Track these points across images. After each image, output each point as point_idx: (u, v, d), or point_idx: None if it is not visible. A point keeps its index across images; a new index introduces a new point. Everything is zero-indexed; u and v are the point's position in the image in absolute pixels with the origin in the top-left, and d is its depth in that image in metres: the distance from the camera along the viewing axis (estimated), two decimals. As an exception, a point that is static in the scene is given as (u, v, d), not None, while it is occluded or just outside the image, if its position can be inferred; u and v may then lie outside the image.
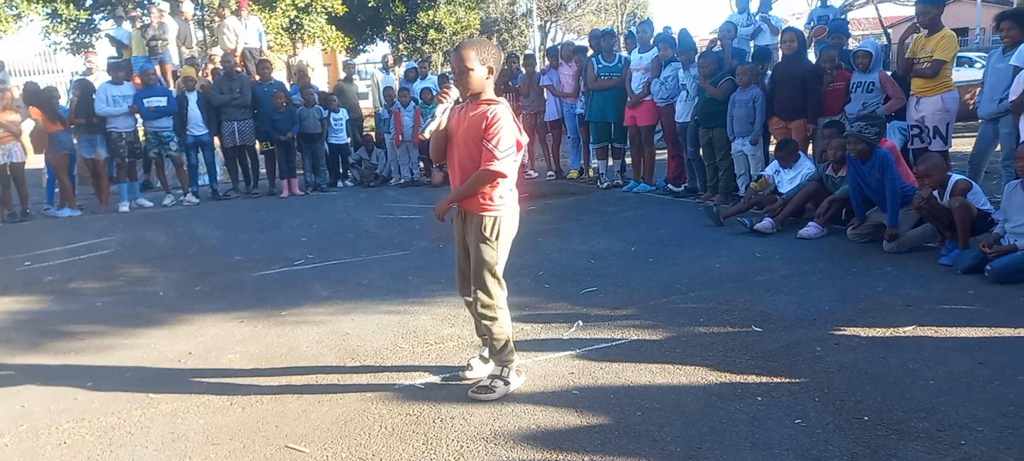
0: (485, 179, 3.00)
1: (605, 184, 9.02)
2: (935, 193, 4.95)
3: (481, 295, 3.14)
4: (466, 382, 3.33)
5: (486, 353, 3.36)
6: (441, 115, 3.11)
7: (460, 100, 3.14)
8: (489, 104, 3.04)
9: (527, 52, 19.00)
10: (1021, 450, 2.53)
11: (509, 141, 2.99)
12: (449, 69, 3.23)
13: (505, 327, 3.21)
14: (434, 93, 9.24)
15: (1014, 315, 3.82)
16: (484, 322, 3.18)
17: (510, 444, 2.79)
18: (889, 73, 6.77)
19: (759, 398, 3.04)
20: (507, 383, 3.21)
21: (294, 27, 16.97)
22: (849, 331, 3.73)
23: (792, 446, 2.64)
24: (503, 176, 3.03)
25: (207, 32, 15.57)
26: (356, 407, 3.17)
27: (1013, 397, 2.89)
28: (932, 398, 2.94)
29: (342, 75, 12.56)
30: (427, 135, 3.12)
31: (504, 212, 3.10)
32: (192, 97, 9.56)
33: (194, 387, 3.50)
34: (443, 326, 4.16)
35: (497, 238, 3.09)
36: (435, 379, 3.43)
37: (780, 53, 7.57)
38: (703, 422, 2.86)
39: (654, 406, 3.02)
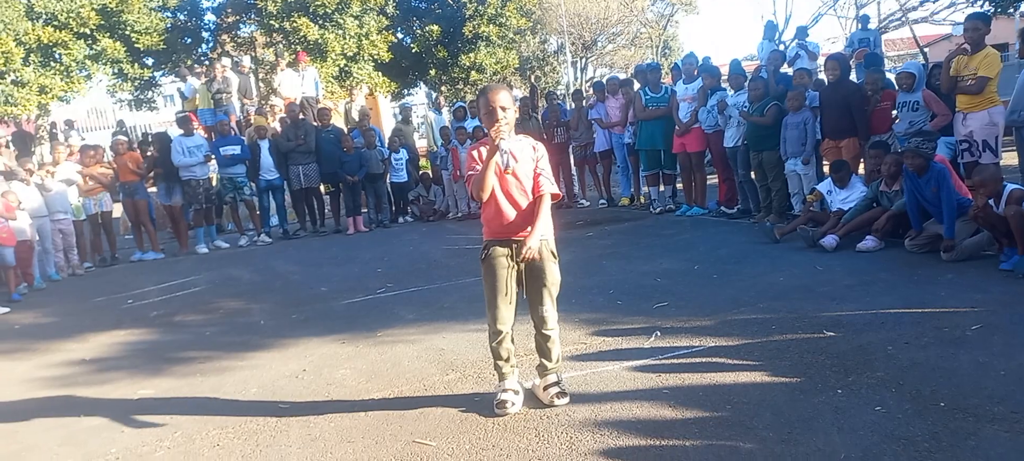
0: (548, 204, 3.38)
1: (658, 209, 9.32)
2: (991, 202, 5.15)
3: (553, 314, 3.44)
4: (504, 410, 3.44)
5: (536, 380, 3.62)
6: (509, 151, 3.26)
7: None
8: (525, 138, 3.41)
9: (570, 89, 19.46)
10: (1094, 426, 2.75)
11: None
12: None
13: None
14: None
15: (1077, 312, 4.01)
16: (551, 341, 3.47)
17: (615, 433, 3.09)
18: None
19: (839, 391, 3.29)
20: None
21: (344, 75, 17.73)
22: (917, 332, 3.94)
23: (876, 429, 2.90)
24: (559, 197, 3.51)
25: (264, 84, 16.38)
26: (467, 408, 3.51)
27: (1083, 383, 3.10)
28: (1005, 387, 3.15)
29: (398, 117, 13.16)
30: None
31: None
32: (264, 144, 10.21)
33: (318, 396, 3.89)
34: (529, 340, 4.45)
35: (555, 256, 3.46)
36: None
37: (825, 79, 7.87)
38: (791, 412, 3.12)
39: (742, 401, 3.29)
